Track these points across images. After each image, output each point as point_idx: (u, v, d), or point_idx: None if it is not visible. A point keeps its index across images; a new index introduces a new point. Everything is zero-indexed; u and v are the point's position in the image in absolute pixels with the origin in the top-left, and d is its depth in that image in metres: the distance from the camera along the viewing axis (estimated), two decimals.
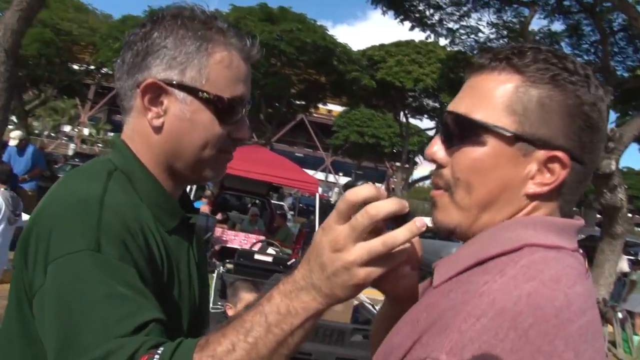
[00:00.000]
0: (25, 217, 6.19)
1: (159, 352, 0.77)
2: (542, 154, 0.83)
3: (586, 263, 0.87)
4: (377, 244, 0.73)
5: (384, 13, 15.58)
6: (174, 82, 1.05)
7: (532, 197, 0.86)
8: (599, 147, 0.87)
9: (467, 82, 0.93)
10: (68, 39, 26.12)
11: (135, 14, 25.62)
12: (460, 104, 0.90)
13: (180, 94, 1.05)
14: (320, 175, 51.06)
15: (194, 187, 12.16)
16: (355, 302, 5.28)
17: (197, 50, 1.05)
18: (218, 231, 11.07)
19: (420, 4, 15.57)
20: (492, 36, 16.90)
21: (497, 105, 0.85)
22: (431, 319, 0.78)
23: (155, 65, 1.05)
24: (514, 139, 0.84)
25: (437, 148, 0.92)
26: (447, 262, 0.90)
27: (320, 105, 34.97)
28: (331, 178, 57.15)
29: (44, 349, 0.88)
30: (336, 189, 50.38)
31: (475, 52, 17.91)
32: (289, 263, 6.74)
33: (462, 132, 0.87)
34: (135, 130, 1.10)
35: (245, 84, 1.11)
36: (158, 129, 1.07)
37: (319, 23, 25.27)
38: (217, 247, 10.80)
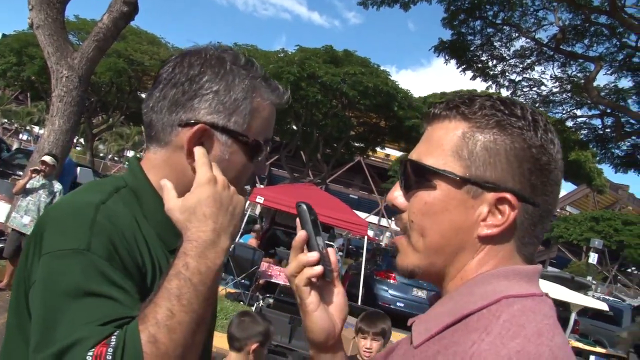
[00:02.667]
0: None
1: (115, 334, 0.87)
2: (490, 196, 0.85)
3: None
4: None
5: (446, 62, 15.60)
6: (220, 126, 1.11)
7: (484, 239, 0.87)
8: (552, 189, 0.88)
9: (424, 132, 0.98)
10: (139, 69, 27.37)
11: None
12: (415, 152, 0.95)
13: (223, 137, 1.11)
14: (372, 219, 50.68)
15: (244, 221, 12.32)
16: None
17: (244, 97, 1.12)
18: (264, 265, 11.12)
19: (484, 55, 15.53)
20: (555, 89, 16.65)
21: (446, 151, 0.89)
22: None
23: (203, 108, 1.10)
24: (462, 182, 0.86)
25: (397, 194, 0.96)
26: (424, 320, 0.90)
27: (378, 149, 35.02)
28: (384, 222, 56.70)
29: None
30: (387, 233, 49.90)
31: (537, 105, 17.66)
32: None
33: (416, 177, 0.91)
34: (169, 163, 1.14)
35: (271, 129, 1.20)
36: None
37: (382, 68, 25.50)
38: (261, 281, 10.83)
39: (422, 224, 0.90)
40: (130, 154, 57.31)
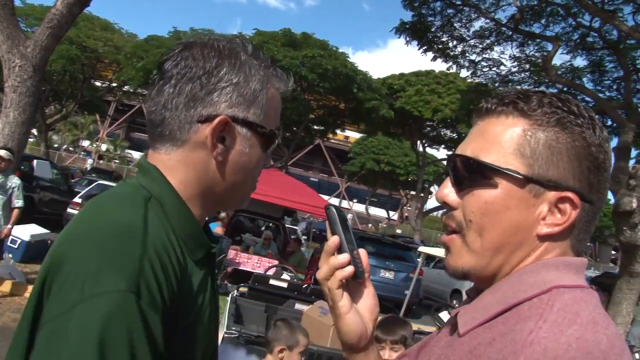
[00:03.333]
0: None
1: None
2: (552, 195, 0.85)
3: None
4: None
5: (407, 43, 15.63)
6: (240, 118, 1.07)
7: (543, 237, 0.87)
8: (605, 186, 0.89)
9: (475, 126, 0.95)
10: (93, 56, 26.67)
11: (160, 34, 25.87)
12: (468, 148, 0.93)
13: (243, 130, 1.07)
14: (334, 201, 50.98)
15: None
16: None
17: (261, 88, 1.09)
18: (231, 253, 11.05)
19: (444, 36, 15.63)
20: (514, 69, 16.91)
21: (507, 149, 0.88)
22: None
23: (223, 101, 1.06)
24: (525, 181, 0.86)
25: (448, 191, 0.94)
26: (470, 310, 0.91)
27: (338, 132, 35.14)
28: (345, 204, 57.08)
29: None
30: (350, 215, 50.27)
31: (496, 84, 17.91)
32: (307, 291, 6.65)
33: (473, 174, 0.90)
34: (186, 162, 1.07)
35: (279, 116, 1.17)
36: (220, 164, 1.07)
37: (340, 50, 25.47)
38: (229, 269, 10.76)
39: (482, 223, 0.88)
40: (85, 143, 56.13)
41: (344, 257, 0.98)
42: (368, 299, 1.04)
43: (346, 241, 1.00)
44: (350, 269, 0.98)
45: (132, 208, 0.97)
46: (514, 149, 0.87)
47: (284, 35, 24.84)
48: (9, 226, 7.08)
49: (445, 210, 0.96)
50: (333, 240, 1.00)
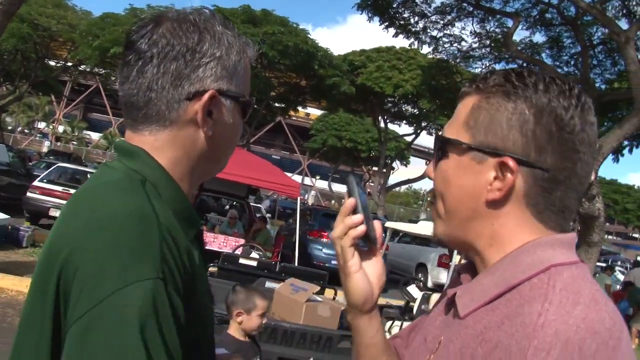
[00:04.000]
0: None
1: None
2: (493, 161, 0.89)
3: None
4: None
5: (369, 19, 15.56)
6: (225, 91, 1.08)
7: (492, 204, 0.91)
8: (571, 152, 0.87)
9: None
10: (46, 34, 25.72)
11: (116, 11, 25.10)
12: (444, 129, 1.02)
13: (227, 101, 1.09)
14: (296, 178, 50.98)
15: None
16: (343, 308, 5.25)
17: (239, 59, 1.10)
18: None
19: (406, 12, 15.60)
20: (475, 45, 17.04)
21: (459, 123, 0.96)
22: (485, 352, 0.82)
23: (208, 77, 1.06)
24: (468, 149, 0.92)
25: (430, 167, 1.03)
26: (469, 291, 0.93)
27: (300, 109, 34.99)
28: (307, 181, 57.15)
29: None
30: (312, 192, 50.36)
31: (457, 60, 18.05)
32: (275, 269, 6.67)
33: (438, 150, 0.99)
34: (175, 141, 1.05)
35: None
36: (210, 138, 1.08)
37: (300, 27, 25.24)
38: None
39: (442, 190, 0.97)
40: (41, 125, 54.59)
41: (358, 217, 1.02)
42: (377, 267, 1.08)
43: (361, 206, 1.04)
44: (362, 228, 1.02)
45: (134, 193, 0.95)
46: (463, 122, 0.94)
47: (244, 12, 24.42)
48: None
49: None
50: (350, 202, 1.04)
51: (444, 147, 0.97)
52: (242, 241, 10.78)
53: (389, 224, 10.41)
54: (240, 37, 1.13)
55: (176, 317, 0.86)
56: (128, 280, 0.82)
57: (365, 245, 1.08)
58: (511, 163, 0.87)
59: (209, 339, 1.11)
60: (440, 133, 1.00)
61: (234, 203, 15.78)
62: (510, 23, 14.14)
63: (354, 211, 1.04)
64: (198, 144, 1.07)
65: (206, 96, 1.04)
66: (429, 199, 1.08)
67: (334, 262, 12.97)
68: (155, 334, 0.82)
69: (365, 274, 1.06)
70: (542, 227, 0.90)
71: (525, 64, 14.49)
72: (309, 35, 24.99)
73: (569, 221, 0.92)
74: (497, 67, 17.24)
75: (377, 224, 1.06)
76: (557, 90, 0.88)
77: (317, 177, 56.81)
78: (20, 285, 7.95)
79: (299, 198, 12.06)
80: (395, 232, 13.24)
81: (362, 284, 1.04)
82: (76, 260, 0.85)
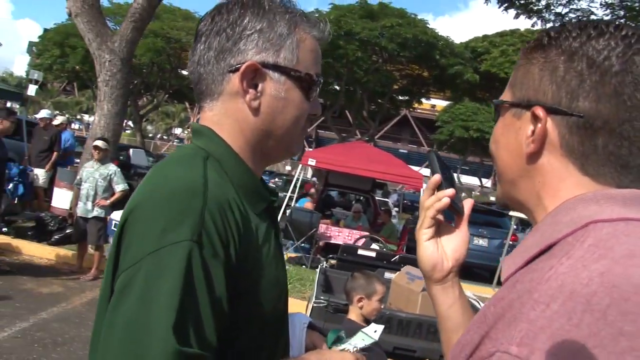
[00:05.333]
0: None
1: None
2: (528, 114, 0.86)
3: None
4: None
5: (486, 2, 14.96)
6: (270, 63, 1.09)
7: (531, 158, 0.87)
8: (596, 94, 0.80)
9: None
10: (177, 46, 27.61)
11: None
12: None
13: (275, 75, 1.10)
14: (425, 171, 50.29)
15: (298, 185, 12.38)
16: None
17: (288, 33, 1.10)
18: (322, 227, 11.17)
19: None
20: (606, 18, 15.80)
21: (507, 86, 0.95)
22: (499, 312, 0.74)
23: (250, 49, 1.09)
24: (509, 107, 0.91)
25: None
26: (512, 255, 0.87)
27: (424, 101, 34.53)
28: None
29: None
30: None
31: None
32: (392, 259, 6.64)
33: (494, 115, 0.99)
34: (228, 114, 1.11)
35: (320, 64, 1.19)
36: (256, 110, 1.10)
37: (419, 17, 24.91)
38: (321, 243, 10.91)
39: (494, 152, 0.96)
40: (177, 131, 58.37)
41: (450, 191, 1.06)
42: (456, 240, 1.10)
43: (445, 180, 1.08)
44: (446, 200, 1.06)
45: (190, 167, 1.03)
46: (509, 83, 0.94)
47: (361, 8, 24.57)
48: (107, 202, 7.47)
49: None
50: (435, 177, 1.08)
51: (496, 111, 0.96)
52: (366, 234, 10.83)
53: (513, 213, 9.97)
54: (299, 14, 1.14)
55: (209, 281, 0.91)
56: (165, 242, 0.89)
57: (452, 220, 1.12)
58: (540, 112, 0.83)
59: (274, 311, 1.13)
60: None
61: (359, 197, 15.88)
62: None
63: (440, 186, 1.08)
64: (248, 117, 1.11)
65: (243, 67, 1.07)
66: None
67: None
68: (187, 291, 0.87)
69: (438, 244, 1.09)
70: (591, 182, 0.82)
71: None
72: (428, 25, 24.59)
73: (631, 175, 0.82)
74: None
75: (468, 201, 1.11)
76: (595, 33, 0.81)
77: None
78: None
79: (422, 190, 11.90)
80: (525, 222, 12.68)
81: (430, 252, 1.07)
82: (130, 218, 0.95)
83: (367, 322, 3.45)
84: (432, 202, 1.06)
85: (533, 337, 0.66)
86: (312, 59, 1.14)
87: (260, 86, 1.09)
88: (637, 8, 14.07)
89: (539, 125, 0.84)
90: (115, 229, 1.02)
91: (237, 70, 1.08)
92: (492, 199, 40.64)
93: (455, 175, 48.13)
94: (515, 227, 10.40)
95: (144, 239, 0.91)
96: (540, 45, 0.87)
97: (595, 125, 0.80)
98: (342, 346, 1.39)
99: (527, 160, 0.87)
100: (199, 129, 1.13)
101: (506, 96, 0.93)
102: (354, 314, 3.44)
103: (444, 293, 1.09)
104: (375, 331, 1.48)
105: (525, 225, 14.32)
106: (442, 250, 1.08)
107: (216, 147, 1.10)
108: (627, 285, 0.66)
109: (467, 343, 0.78)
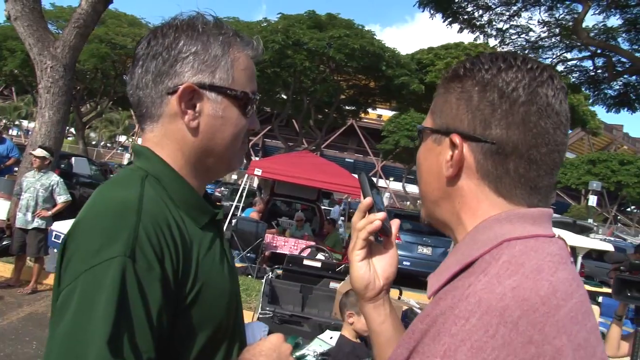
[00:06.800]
0: None
1: None
2: (447, 140, 0.92)
3: (568, 248, 0.89)
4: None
5: (432, 16, 15.32)
6: (207, 84, 1.13)
7: (451, 182, 0.92)
8: (506, 123, 0.87)
9: None
10: (123, 52, 26.99)
11: None
12: None
13: (212, 95, 1.13)
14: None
15: (244, 195, 12.31)
16: (404, 308, 5.20)
17: (222, 53, 1.14)
18: (268, 237, 11.15)
19: (469, 5, 15.24)
20: (543, 35, 16.41)
21: (429, 112, 1.00)
22: (424, 328, 0.80)
23: (186, 71, 1.12)
24: (430, 132, 0.96)
25: None
26: (436, 273, 0.93)
27: (370, 110, 34.90)
28: (382, 183, 56.84)
29: None
30: (386, 194, 49.99)
31: (526, 51, 17.46)
32: (337, 269, 6.69)
33: (418, 140, 1.04)
34: (167, 135, 1.15)
35: (255, 81, 1.23)
36: (195, 130, 1.13)
37: (367, 28, 25.24)
38: (267, 253, 10.88)
39: (418, 174, 1.02)
40: (122, 138, 57.14)
41: (382, 214, 1.08)
42: (386, 260, 1.14)
43: (377, 203, 1.10)
44: (378, 223, 1.08)
45: (127, 186, 1.06)
46: (430, 110, 0.99)
47: (309, 18, 24.69)
48: (49, 213, 7.29)
49: None
50: (367, 200, 1.10)
51: (419, 136, 1.01)
52: (312, 243, 10.86)
53: None
54: (232, 34, 1.18)
55: (143, 295, 0.94)
56: (100, 259, 0.92)
57: (380, 240, 1.14)
58: (457, 139, 0.89)
59: (225, 321, 1.15)
60: None
61: (306, 207, 15.92)
62: (580, 8, 13.53)
63: (371, 208, 1.10)
64: (187, 137, 1.14)
65: (180, 89, 1.10)
66: None
67: (405, 262, 12.96)
68: (122, 305, 0.90)
69: (370, 264, 1.12)
70: (505, 202, 0.89)
71: (599, 51, 13.86)
72: (375, 37, 24.93)
73: (539, 195, 0.89)
74: (569, 56, 16.56)
75: (395, 222, 1.13)
76: (505, 66, 0.88)
77: (391, 179, 56.42)
78: None
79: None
80: None
81: (362, 272, 1.11)
82: (70, 237, 0.99)
83: (360, 338, 3.55)
84: (364, 225, 1.09)
85: (455, 350, 0.73)
86: (247, 76, 1.18)
87: (198, 106, 1.13)
88: (570, 27, 14.68)
89: (457, 151, 0.89)
90: (59, 242, 1.04)
91: (174, 92, 1.11)
92: None
93: (400, 184, 48.78)
94: None
95: (80, 256, 0.94)
96: (457, 75, 0.93)
97: (506, 150, 0.87)
98: (301, 352, 1.41)
99: (447, 183, 0.93)
100: (139, 150, 1.17)
101: (428, 122, 0.98)
102: (346, 331, 3.52)
103: (375, 311, 1.13)
104: (331, 337, 1.52)
105: None
106: (374, 269, 1.12)
107: (155, 166, 1.13)
108: (536, 297, 0.74)
109: (397, 357, 0.83)
